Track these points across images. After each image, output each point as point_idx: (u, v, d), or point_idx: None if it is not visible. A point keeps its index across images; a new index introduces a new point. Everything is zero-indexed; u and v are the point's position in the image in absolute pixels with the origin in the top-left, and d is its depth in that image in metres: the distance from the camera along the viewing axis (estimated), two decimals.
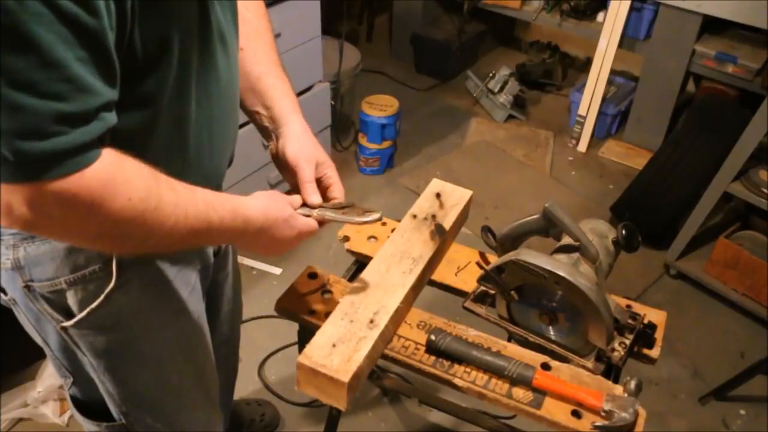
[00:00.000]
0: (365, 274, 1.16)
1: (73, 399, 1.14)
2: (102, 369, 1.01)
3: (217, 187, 1.04)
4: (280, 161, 1.02)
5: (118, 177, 0.68)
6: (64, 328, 0.95)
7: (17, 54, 0.58)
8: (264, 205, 0.89)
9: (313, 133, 1.04)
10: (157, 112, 0.82)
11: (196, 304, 1.09)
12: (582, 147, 3.10)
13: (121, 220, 0.69)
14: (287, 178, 1.03)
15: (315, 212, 0.98)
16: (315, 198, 0.99)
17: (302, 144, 1.01)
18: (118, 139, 0.80)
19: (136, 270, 0.94)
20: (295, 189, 1.01)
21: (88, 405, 1.13)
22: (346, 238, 1.35)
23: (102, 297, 0.92)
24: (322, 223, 0.98)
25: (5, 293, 0.96)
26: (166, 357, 1.04)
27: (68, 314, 0.94)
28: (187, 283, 1.04)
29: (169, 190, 0.75)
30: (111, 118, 0.68)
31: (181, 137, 0.87)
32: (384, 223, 1.39)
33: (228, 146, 1.01)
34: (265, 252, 0.96)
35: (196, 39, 0.83)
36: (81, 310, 0.92)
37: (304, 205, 0.99)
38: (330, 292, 1.23)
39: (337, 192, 1.02)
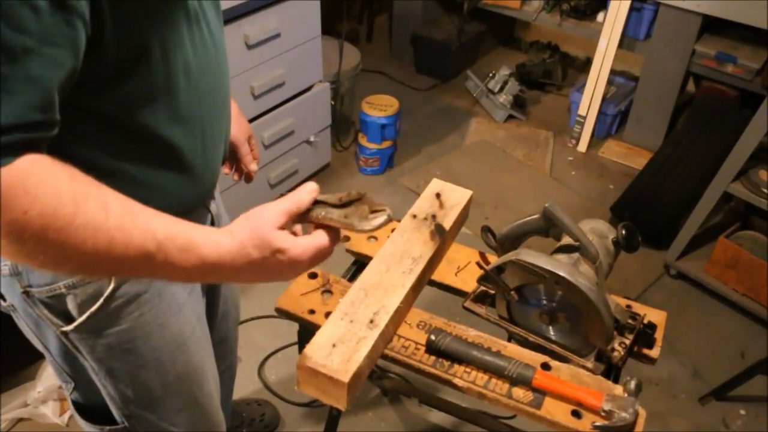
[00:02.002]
0: (365, 274, 1.16)
1: (75, 403, 1.14)
2: (103, 372, 1.01)
3: (212, 185, 1.04)
4: None
5: (17, 188, 0.61)
6: (65, 333, 0.95)
7: None
8: (237, 243, 0.74)
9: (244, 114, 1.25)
10: (144, 114, 0.81)
11: (195, 305, 1.09)
12: (582, 147, 3.10)
13: (13, 232, 0.62)
14: None
15: (315, 214, 0.80)
16: (254, 166, 1.25)
17: (239, 125, 1.21)
18: (100, 140, 0.80)
19: None
20: (233, 158, 1.24)
21: (90, 409, 1.13)
22: (346, 238, 1.35)
23: (101, 300, 0.92)
24: (332, 231, 0.81)
25: (4, 299, 0.96)
26: (166, 358, 1.04)
27: (68, 319, 0.93)
28: (186, 284, 1.04)
29: (96, 211, 0.65)
30: (32, 136, 0.64)
31: (174, 137, 0.87)
32: None
33: (221, 144, 1.01)
34: (257, 281, 0.80)
35: (186, 38, 0.82)
36: (81, 314, 0.92)
37: (306, 212, 0.80)
38: (330, 292, 1.23)
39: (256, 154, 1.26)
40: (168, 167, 0.89)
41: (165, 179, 0.89)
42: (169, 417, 1.11)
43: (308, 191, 0.79)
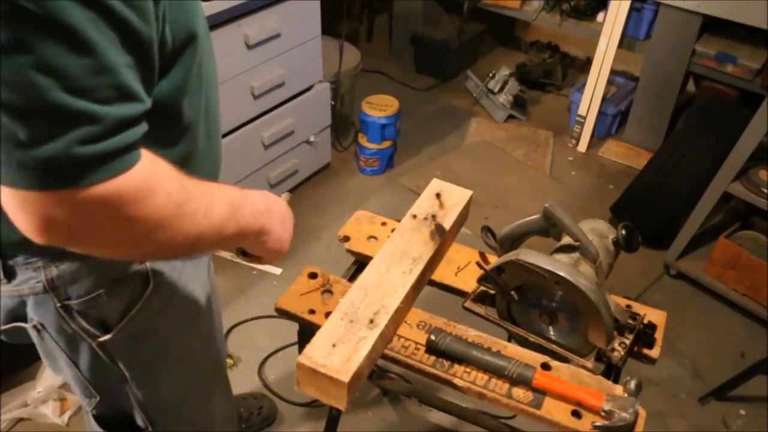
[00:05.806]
0: (365, 274, 1.16)
1: (95, 417, 1.12)
2: (135, 379, 1.01)
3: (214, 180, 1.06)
4: None
5: (157, 173, 0.68)
6: (101, 344, 0.93)
7: (74, 58, 0.57)
8: (262, 193, 0.91)
9: None
10: (183, 101, 0.83)
11: (213, 301, 1.10)
12: (582, 147, 3.10)
13: (164, 215, 0.68)
14: None
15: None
16: None
17: None
18: (155, 135, 0.81)
19: (165, 272, 0.94)
20: None
21: (111, 420, 1.12)
22: (346, 238, 1.35)
23: (140, 303, 0.92)
24: None
25: (26, 321, 0.93)
26: (193, 356, 1.06)
27: (105, 328, 0.93)
28: (202, 281, 1.05)
29: (191, 182, 0.74)
30: (146, 124, 0.68)
31: (198, 124, 0.89)
32: (384, 223, 1.39)
33: (220, 132, 1.03)
34: (265, 224, 0.91)
35: (203, 33, 0.85)
36: (120, 319, 0.92)
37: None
38: (330, 292, 1.23)
39: None
40: (195, 154, 0.91)
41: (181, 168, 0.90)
42: (190, 414, 1.13)
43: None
